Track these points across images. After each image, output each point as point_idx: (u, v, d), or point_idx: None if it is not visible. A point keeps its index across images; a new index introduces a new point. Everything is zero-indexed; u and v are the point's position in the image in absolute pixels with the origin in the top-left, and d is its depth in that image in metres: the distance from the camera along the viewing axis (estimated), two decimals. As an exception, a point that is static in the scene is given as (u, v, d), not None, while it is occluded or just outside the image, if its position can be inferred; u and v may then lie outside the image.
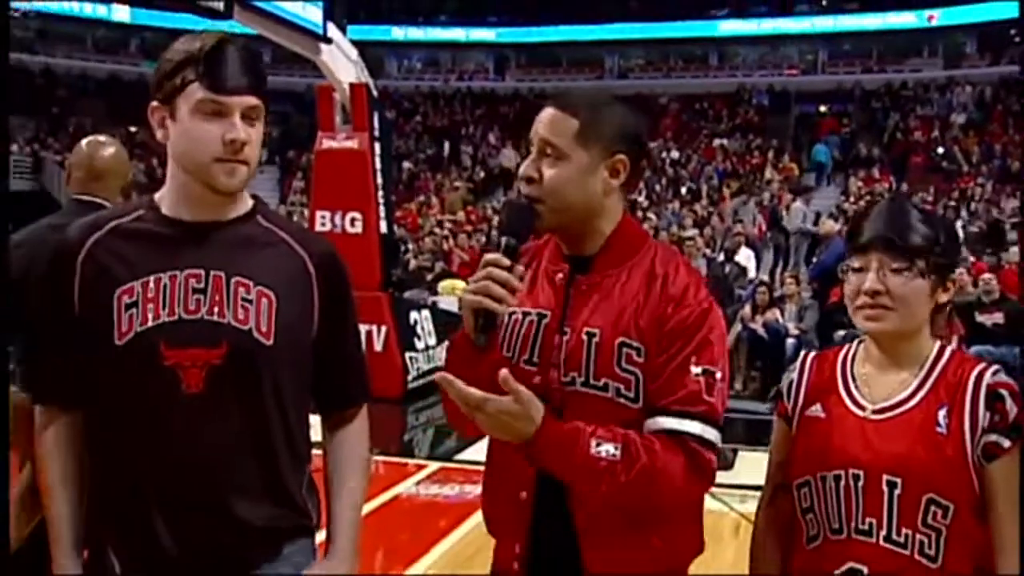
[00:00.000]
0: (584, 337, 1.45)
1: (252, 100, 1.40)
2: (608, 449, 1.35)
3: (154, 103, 1.41)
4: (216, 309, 1.40)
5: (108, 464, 1.43)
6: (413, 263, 12.56)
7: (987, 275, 7.84)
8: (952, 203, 15.72)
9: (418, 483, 5.32)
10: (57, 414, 1.46)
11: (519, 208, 1.47)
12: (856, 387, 1.51)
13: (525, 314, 1.50)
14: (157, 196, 1.48)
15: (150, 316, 1.38)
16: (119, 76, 25.12)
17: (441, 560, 4.00)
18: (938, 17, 25.73)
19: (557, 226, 1.49)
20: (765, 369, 8.59)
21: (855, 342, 1.58)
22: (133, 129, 20.10)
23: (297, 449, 1.50)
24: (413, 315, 8.27)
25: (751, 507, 4.62)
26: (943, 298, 1.49)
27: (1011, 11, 22.44)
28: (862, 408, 1.48)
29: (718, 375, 1.42)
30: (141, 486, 1.39)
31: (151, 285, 1.39)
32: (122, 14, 26.24)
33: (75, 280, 1.41)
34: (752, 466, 5.70)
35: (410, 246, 14.03)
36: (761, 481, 1.67)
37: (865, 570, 1.42)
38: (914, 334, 1.49)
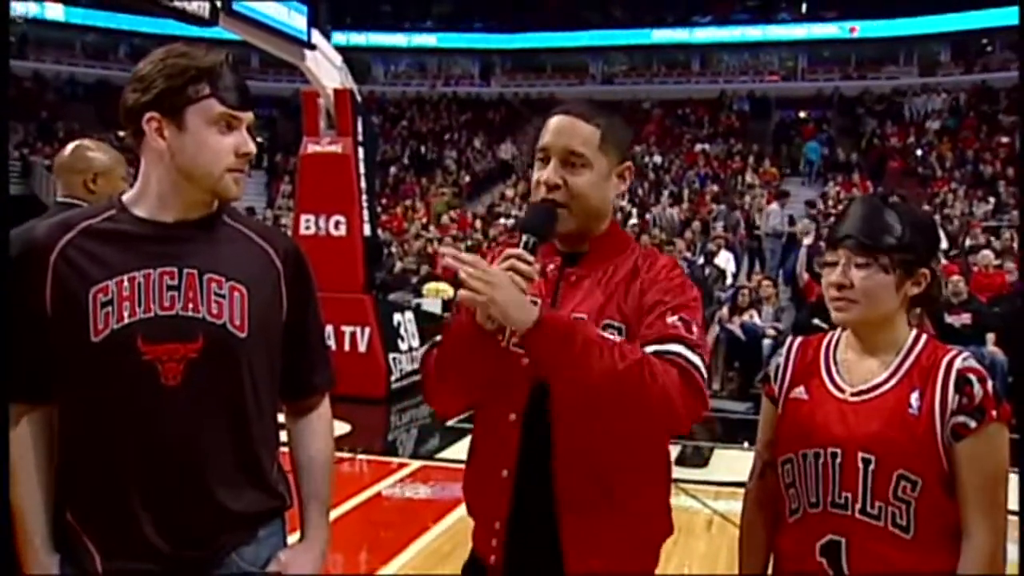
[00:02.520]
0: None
1: (252, 115, 1.50)
2: (612, 335, 1.45)
3: (153, 113, 1.44)
4: (191, 305, 1.44)
5: (88, 458, 1.44)
6: (399, 266, 12.66)
7: (955, 276, 8.03)
8: (926, 207, 15.97)
9: (400, 481, 5.39)
10: (26, 410, 1.46)
11: (544, 210, 1.52)
12: (837, 371, 1.61)
13: None
14: (126, 198, 1.51)
15: (126, 314, 1.41)
16: (108, 81, 24.96)
17: (418, 557, 4.08)
18: (859, 30, 26.53)
19: (578, 229, 1.56)
20: (742, 369, 8.73)
21: (838, 330, 1.67)
22: (122, 133, 20.01)
23: (271, 435, 1.56)
24: (397, 317, 8.37)
25: (724, 504, 4.82)
26: (913, 291, 1.57)
27: (983, 21, 23.00)
28: (842, 391, 1.59)
29: (695, 327, 1.48)
30: (124, 478, 1.42)
31: (125, 284, 1.42)
32: (55, 12, 25.03)
33: (47, 279, 1.41)
34: (727, 464, 5.79)
35: (395, 249, 14.13)
36: (735, 478, 1.82)
37: (843, 541, 1.52)
38: (887, 323, 1.58)
